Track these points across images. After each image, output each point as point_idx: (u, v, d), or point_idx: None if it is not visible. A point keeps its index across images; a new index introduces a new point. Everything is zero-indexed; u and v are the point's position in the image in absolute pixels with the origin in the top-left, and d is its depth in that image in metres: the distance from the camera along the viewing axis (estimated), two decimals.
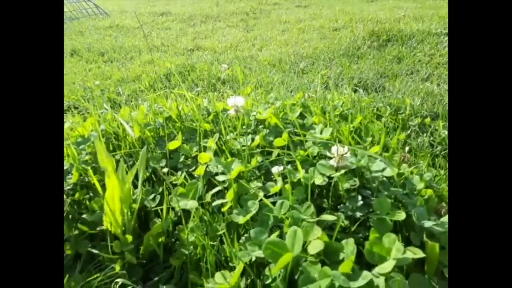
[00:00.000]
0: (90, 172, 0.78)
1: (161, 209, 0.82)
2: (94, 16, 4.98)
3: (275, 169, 0.75)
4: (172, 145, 0.92)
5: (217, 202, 0.72)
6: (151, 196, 0.83)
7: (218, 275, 0.55)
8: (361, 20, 3.70)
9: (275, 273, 0.54)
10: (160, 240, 0.77)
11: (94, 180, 0.79)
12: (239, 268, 0.54)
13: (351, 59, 2.51)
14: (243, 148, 0.89)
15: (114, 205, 0.73)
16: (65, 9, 4.96)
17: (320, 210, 0.74)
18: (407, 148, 1.06)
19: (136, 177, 0.82)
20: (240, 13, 4.60)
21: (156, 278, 0.74)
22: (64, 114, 1.76)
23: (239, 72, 1.76)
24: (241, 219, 0.66)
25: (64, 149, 0.97)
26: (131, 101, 1.89)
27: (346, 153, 0.75)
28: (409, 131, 1.33)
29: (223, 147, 0.93)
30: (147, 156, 0.94)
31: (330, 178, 0.78)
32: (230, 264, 0.64)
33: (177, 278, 0.73)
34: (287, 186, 0.72)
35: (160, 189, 0.87)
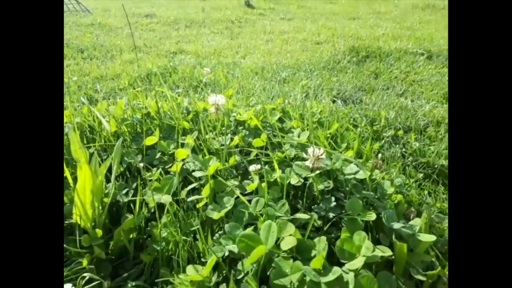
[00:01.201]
0: (64, 163, 0.76)
1: (134, 205, 0.80)
2: (76, 12, 4.86)
3: (252, 167, 0.76)
4: (149, 140, 0.91)
5: (193, 198, 0.72)
6: (124, 191, 0.81)
7: (189, 268, 0.54)
8: (342, 36, 3.83)
9: (248, 266, 0.54)
10: (131, 236, 0.75)
11: (66, 171, 0.76)
12: (211, 260, 0.54)
13: (331, 72, 2.59)
14: (222, 147, 0.89)
15: (85, 197, 0.70)
16: None
17: (294, 210, 0.75)
18: (379, 156, 1.10)
19: (109, 170, 0.80)
20: (226, 21, 4.64)
21: (125, 274, 0.72)
22: None
23: (222, 76, 1.77)
24: (216, 215, 0.66)
25: None
26: (109, 99, 1.85)
27: (321, 154, 0.77)
28: (382, 142, 1.38)
29: (202, 146, 0.93)
30: (123, 151, 0.92)
31: (305, 179, 0.79)
32: (203, 259, 0.64)
33: (147, 275, 0.71)
34: (264, 184, 0.73)
35: (134, 185, 0.86)
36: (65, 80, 2.21)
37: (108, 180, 0.83)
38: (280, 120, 1.11)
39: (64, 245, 0.73)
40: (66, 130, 0.94)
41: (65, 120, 1.07)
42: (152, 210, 0.80)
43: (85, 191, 0.70)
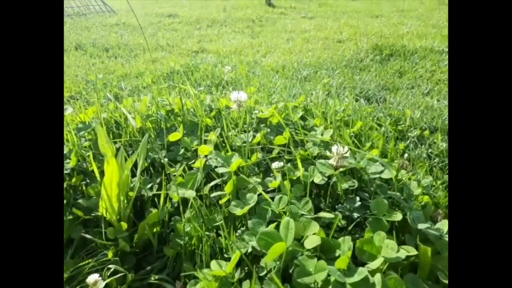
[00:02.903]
0: (91, 157, 0.78)
1: (158, 199, 0.81)
2: (101, 13, 5.01)
3: (275, 165, 0.76)
4: (173, 136, 0.92)
5: (216, 193, 0.72)
6: (149, 186, 0.83)
7: (213, 263, 0.55)
8: (365, 34, 3.75)
9: (269, 263, 0.54)
10: (155, 229, 0.76)
11: (93, 165, 0.78)
12: (235, 256, 0.53)
13: (354, 71, 2.54)
14: (244, 144, 0.89)
15: (111, 191, 0.72)
16: (73, 5, 5.00)
17: (317, 209, 0.74)
18: (405, 156, 1.07)
19: (134, 165, 0.81)
20: (247, 20, 4.65)
21: (148, 268, 0.73)
22: (65, 104, 1.76)
23: (244, 74, 1.78)
24: (239, 211, 0.66)
25: (64, 134, 0.97)
26: (133, 96, 1.90)
27: (346, 153, 0.76)
28: (407, 142, 1.34)
29: (224, 143, 0.93)
30: (147, 146, 0.94)
31: (329, 178, 0.78)
32: (226, 255, 0.64)
33: (170, 269, 0.72)
34: (286, 182, 0.72)
35: (158, 180, 0.87)
36: (91, 78, 2.28)
37: (133, 175, 0.85)
38: (302, 118, 1.10)
39: (90, 237, 0.76)
40: (93, 125, 0.97)
41: (92, 115, 1.10)
42: (176, 205, 0.81)
43: (111, 184, 0.71)
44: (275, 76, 2.37)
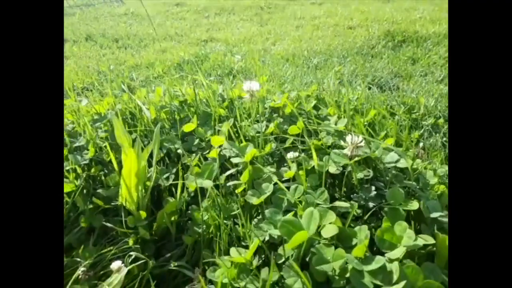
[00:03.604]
0: (108, 148, 0.80)
1: (175, 189, 0.83)
2: (110, 3, 5.00)
3: (290, 155, 0.76)
4: (187, 127, 0.93)
5: (231, 183, 0.73)
6: (165, 175, 0.84)
7: (233, 250, 0.56)
8: (377, 20, 3.66)
9: (289, 251, 0.55)
10: (173, 218, 0.78)
11: (111, 156, 0.80)
12: (254, 243, 0.55)
13: (365, 58, 2.50)
14: (258, 134, 0.90)
15: (130, 181, 0.74)
16: None
17: (332, 199, 0.75)
18: (421, 144, 1.06)
19: (150, 156, 0.83)
20: (255, 7, 4.59)
21: (168, 255, 0.75)
22: (79, 96, 1.79)
23: (255, 62, 1.76)
24: (255, 200, 0.67)
25: (81, 126, 0.99)
26: (145, 87, 1.91)
27: (360, 142, 0.76)
28: (422, 130, 1.32)
29: (238, 133, 0.94)
30: (162, 137, 0.95)
31: (343, 168, 0.78)
32: (243, 243, 0.65)
33: (188, 256, 0.74)
34: (301, 172, 0.73)
35: (174, 170, 0.89)
36: (102, 68, 2.30)
37: (149, 165, 0.86)
38: (315, 107, 1.09)
39: (111, 225, 0.78)
40: (108, 116, 0.99)
41: (106, 107, 1.12)
42: (192, 194, 0.83)
43: (130, 175, 0.73)
44: (285, 64, 2.35)
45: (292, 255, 0.57)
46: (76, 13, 4.30)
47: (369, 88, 1.83)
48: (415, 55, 2.46)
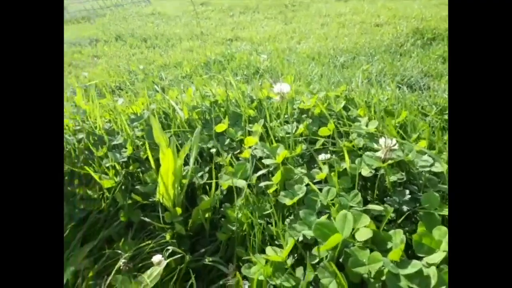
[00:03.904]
0: (147, 147, 0.84)
1: (208, 187, 0.86)
2: (137, 3, 5.15)
3: (322, 157, 0.77)
4: (219, 128, 0.96)
5: (264, 183, 0.75)
6: (199, 174, 0.87)
7: (269, 249, 0.58)
8: (405, 17, 3.56)
9: (324, 252, 0.56)
10: (207, 215, 0.81)
11: (149, 154, 0.84)
12: (290, 243, 0.56)
13: (394, 56, 2.44)
14: (287, 135, 0.91)
15: (167, 179, 0.77)
16: None
17: (364, 202, 0.75)
18: None
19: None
20: (279, 5, 4.57)
21: (202, 250, 0.78)
22: (112, 94, 1.87)
23: (281, 62, 1.77)
24: (288, 201, 0.68)
25: (118, 124, 1.04)
26: (174, 86, 1.96)
27: (394, 145, 0.75)
28: None
29: (268, 133, 0.95)
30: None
31: (376, 170, 0.78)
32: (276, 242, 0.67)
33: (222, 252, 0.77)
34: (333, 174, 0.73)
35: (207, 169, 0.92)
36: (133, 68, 2.38)
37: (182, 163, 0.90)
38: (344, 107, 1.09)
39: (149, 220, 0.82)
40: (144, 116, 1.03)
41: (141, 106, 1.17)
42: (225, 193, 0.85)
43: (168, 173, 0.77)
44: (311, 63, 2.34)
45: (326, 256, 0.58)
46: (106, 14, 4.46)
47: (399, 88, 1.79)
48: (445, 53, 2.38)
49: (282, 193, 0.70)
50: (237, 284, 0.70)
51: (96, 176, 0.85)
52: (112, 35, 3.47)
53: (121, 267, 0.75)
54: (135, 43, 3.19)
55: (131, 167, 0.91)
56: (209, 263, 0.75)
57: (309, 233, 0.59)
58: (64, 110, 1.13)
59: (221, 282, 0.73)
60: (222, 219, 0.81)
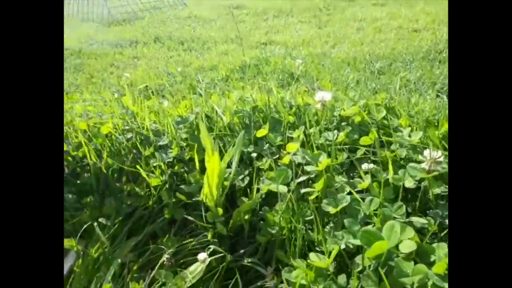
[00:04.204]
0: (194, 149, 0.88)
1: (247, 189, 0.89)
2: (174, 6, 5.33)
3: (365, 166, 0.78)
4: (260, 133, 0.99)
5: (306, 190, 0.77)
6: (240, 177, 0.91)
7: (312, 255, 0.60)
8: (444, 22, 3.44)
9: (367, 262, 0.57)
10: (246, 217, 0.84)
11: (195, 156, 0.88)
12: (335, 250, 0.58)
13: (432, 63, 2.37)
14: (328, 142, 0.92)
15: (212, 180, 0.81)
16: None
17: (406, 214, 0.75)
18: None
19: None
20: (313, 9, 4.56)
21: (241, 251, 0.81)
22: (156, 96, 1.96)
23: (315, 67, 1.78)
24: (331, 209, 0.70)
25: (165, 126, 1.10)
26: (210, 89, 2.03)
27: (439, 157, 0.74)
28: None
29: (307, 140, 0.97)
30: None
31: (419, 182, 0.78)
32: (317, 248, 0.69)
33: (261, 254, 0.80)
34: (375, 184, 0.74)
35: (246, 172, 0.95)
36: (172, 70, 2.48)
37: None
38: (385, 116, 1.08)
39: (192, 219, 0.86)
40: (190, 119, 1.08)
41: (184, 109, 1.22)
42: (263, 196, 0.88)
43: (213, 175, 0.80)
44: (346, 68, 2.32)
45: (369, 266, 0.59)
46: (145, 17, 4.66)
47: (437, 96, 1.74)
48: None
49: (324, 201, 0.72)
50: (275, 286, 0.73)
51: (144, 174, 0.90)
52: (151, 37, 3.63)
53: (164, 262, 0.79)
54: (173, 46, 3.31)
55: (176, 167, 0.96)
56: (248, 264, 0.78)
57: (354, 242, 0.60)
58: (113, 110, 1.21)
59: (259, 284, 0.76)
60: (261, 222, 0.84)
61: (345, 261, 0.64)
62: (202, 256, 0.71)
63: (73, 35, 3.80)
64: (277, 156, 0.98)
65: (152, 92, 2.01)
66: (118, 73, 2.68)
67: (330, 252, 0.60)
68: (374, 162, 0.88)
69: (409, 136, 0.90)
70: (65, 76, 2.69)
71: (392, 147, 0.90)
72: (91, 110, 1.25)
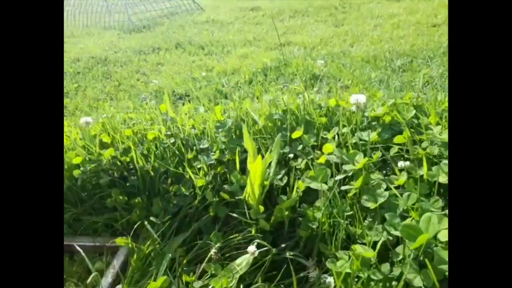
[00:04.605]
0: (237, 152, 0.95)
1: (285, 188, 0.95)
2: (192, 11, 5.45)
3: (401, 164, 0.83)
4: (295, 134, 1.05)
5: (346, 187, 0.83)
6: (279, 176, 0.97)
7: (358, 247, 0.66)
8: None
9: (407, 252, 0.63)
10: (286, 213, 0.90)
11: (237, 158, 0.95)
12: (380, 241, 0.64)
13: None
14: (360, 142, 0.97)
15: (255, 180, 0.88)
16: (167, 5, 5.53)
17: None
18: None
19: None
20: (329, 7, 4.58)
21: (283, 245, 0.88)
22: (180, 100, 2.05)
23: (337, 66, 1.82)
24: (371, 205, 0.75)
25: (202, 130, 1.18)
26: (235, 93, 2.10)
27: None
28: None
29: (339, 140, 1.02)
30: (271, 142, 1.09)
31: None
32: (358, 241, 0.74)
33: (301, 247, 0.86)
34: (411, 180, 0.79)
35: (282, 172, 1.01)
36: (196, 75, 2.57)
37: None
38: (414, 115, 1.12)
39: (236, 215, 0.93)
40: (228, 123, 1.16)
41: (219, 113, 1.29)
42: (301, 194, 0.94)
43: (256, 175, 0.87)
44: (367, 67, 2.35)
45: (409, 255, 0.65)
46: (165, 23, 4.79)
47: None
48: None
49: (364, 197, 0.77)
50: (318, 277, 0.79)
51: (192, 176, 0.98)
52: (172, 43, 3.74)
53: (212, 256, 0.87)
54: (194, 51, 3.41)
55: (218, 169, 1.03)
56: (290, 257, 0.84)
57: (395, 233, 0.65)
58: (156, 117, 1.30)
59: (301, 275, 0.82)
60: (300, 218, 0.90)
61: (386, 251, 0.69)
62: (251, 248, 0.78)
63: (97, 44, 3.96)
64: (311, 156, 1.04)
65: (180, 97, 2.10)
66: (144, 79, 2.80)
67: (375, 243, 0.65)
68: (407, 160, 0.93)
69: (440, 134, 0.94)
70: (94, 85, 2.83)
71: (423, 144, 0.94)
72: (132, 117, 1.35)
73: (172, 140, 1.14)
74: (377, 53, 2.62)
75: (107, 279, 0.89)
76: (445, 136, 0.92)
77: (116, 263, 0.94)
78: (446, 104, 1.25)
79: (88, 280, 0.88)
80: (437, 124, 1.04)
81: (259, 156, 0.85)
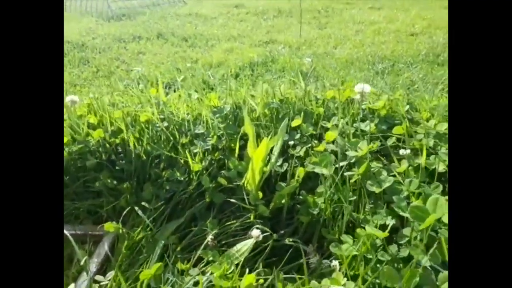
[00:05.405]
0: (238, 137, 0.93)
1: (284, 174, 0.95)
2: (173, 3, 5.33)
3: (402, 152, 0.84)
4: (294, 123, 1.05)
5: (349, 173, 0.83)
6: (278, 163, 0.96)
7: (368, 228, 0.66)
8: (441, 27, 3.58)
9: (413, 234, 0.64)
10: (284, 200, 0.89)
11: (237, 144, 0.93)
12: (390, 224, 0.64)
13: (432, 66, 2.48)
14: (361, 132, 0.99)
15: (257, 165, 0.87)
16: None
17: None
18: None
19: None
20: (312, 11, 4.65)
21: (282, 232, 0.87)
22: (166, 90, 1.98)
23: (323, 66, 1.85)
24: (375, 189, 0.76)
25: (199, 116, 1.14)
26: (222, 85, 2.07)
27: None
28: None
29: (342, 129, 1.03)
30: (270, 131, 1.08)
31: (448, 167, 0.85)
32: (362, 225, 0.75)
33: (301, 233, 0.85)
34: (410, 168, 0.81)
35: (280, 159, 1.00)
36: (180, 65, 2.51)
37: None
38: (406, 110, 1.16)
39: (234, 201, 0.91)
40: (225, 110, 1.13)
41: (215, 101, 1.26)
42: (300, 181, 0.94)
43: (258, 160, 0.86)
44: (351, 68, 2.41)
45: (415, 237, 0.66)
46: (146, 13, 4.65)
47: (441, 96, 1.84)
48: None
49: (369, 182, 0.78)
50: (319, 262, 0.79)
51: (190, 160, 0.94)
52: (154, 33, 3.63)
53: (209, 243, 0.84)
54: (176, 42, 3.33)
55: (216, 154, 1.00)
56: (290, 243, 0.84)
57: (404, 215, 0.67)
58: (146, 101, 1.24)
59: (301, 260, 0.82)
60: (298, 205, 0.89)
61: (390, 235, 0.70)
62: (256, 232, 0.76)
63: (74, 29, 3.76)
64: (310, 145, 1.04)
65: (166, 86, 2.04)
66: (125, 67, 2.69)
67: (381, 226, 0.66)
68: (404, 149, 0.95)
69: (434, 126, 0.98)
70: (71, 70, 2.68)
71: (418, 137, 0.97)
72: (119, 100, 1.28)
73: (166, 124, 1.10)
74: (360, 56, 2.70)
75: (92, 269, 0.83)
76: (440, 129, 0.95)
77: (101, 251, 0.88)
78: (436, 102, 1.30)
79: (71, 271, 0.82)
80: (428, 119, 1.08)
81: (264, 140, 0.84)
